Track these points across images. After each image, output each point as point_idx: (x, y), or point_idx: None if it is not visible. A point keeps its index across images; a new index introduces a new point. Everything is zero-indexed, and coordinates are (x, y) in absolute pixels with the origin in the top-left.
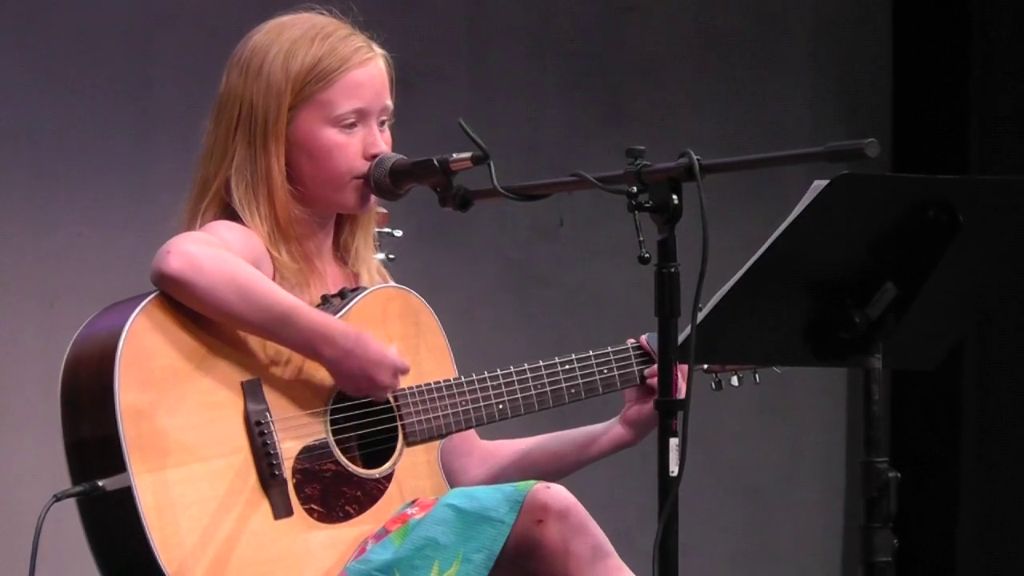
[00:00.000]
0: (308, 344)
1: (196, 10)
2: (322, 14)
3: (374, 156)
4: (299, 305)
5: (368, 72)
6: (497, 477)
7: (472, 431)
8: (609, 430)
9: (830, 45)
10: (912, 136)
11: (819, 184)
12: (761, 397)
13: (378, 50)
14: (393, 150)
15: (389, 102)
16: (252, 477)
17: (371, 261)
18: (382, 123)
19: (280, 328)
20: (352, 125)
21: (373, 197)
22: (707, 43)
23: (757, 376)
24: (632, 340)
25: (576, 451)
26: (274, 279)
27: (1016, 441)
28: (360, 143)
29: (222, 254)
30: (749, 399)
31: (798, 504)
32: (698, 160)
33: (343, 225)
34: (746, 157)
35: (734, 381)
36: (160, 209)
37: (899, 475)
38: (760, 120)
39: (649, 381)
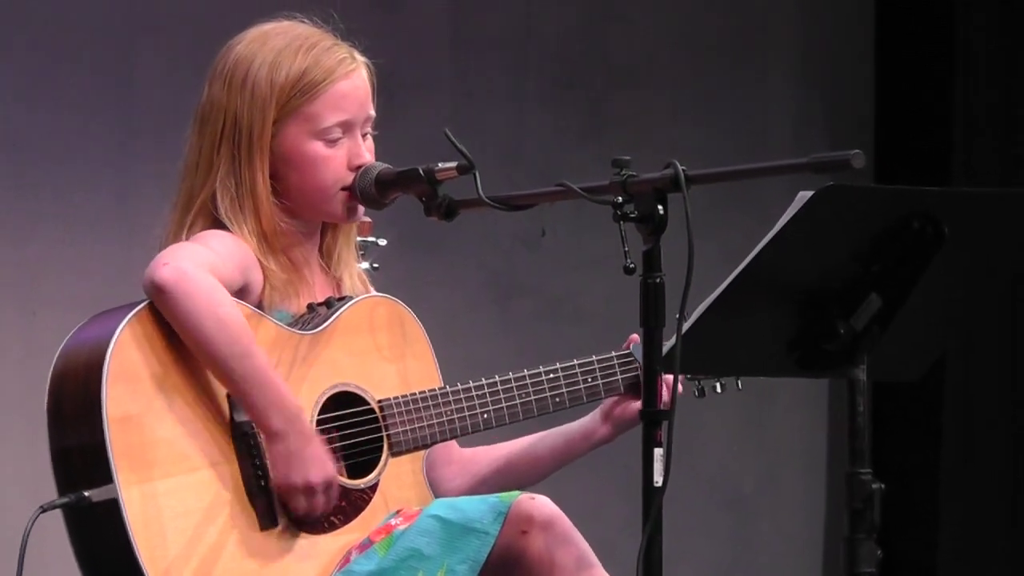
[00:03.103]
0: (261, 406)
1: (179, 17)
2: (303, 22)
3: (359, 167)
4: (268, 367)
5: (352, 83)
6: (478, 486)
7: (452, 440)
8: (587, 429)
9: (813, 55)
10: (895, 146)
11: (804, 195)
12: (743, 407)
13: (360, 58)
14: (376, 159)
15: (372, 111)
16: (238, 488)
17: (353, 266)
18: (364, 133)
19: (239, 378)
20: (338, 138)
21: (360, 208)
22: (690, 53)
23: (739, 382)
24: (623, 347)
25: (554, 456)
26: (263, 289)
27: (996, 451)
28: (345, 154)
29: (215, 284)
30: (731, 409)
31: (779, 514)
32: (684, 171)
33: (326, 231)
34: (732, 168)
35: (717, 388)
36: (142, 217)
37: (883, 486)
38: (743, 130)
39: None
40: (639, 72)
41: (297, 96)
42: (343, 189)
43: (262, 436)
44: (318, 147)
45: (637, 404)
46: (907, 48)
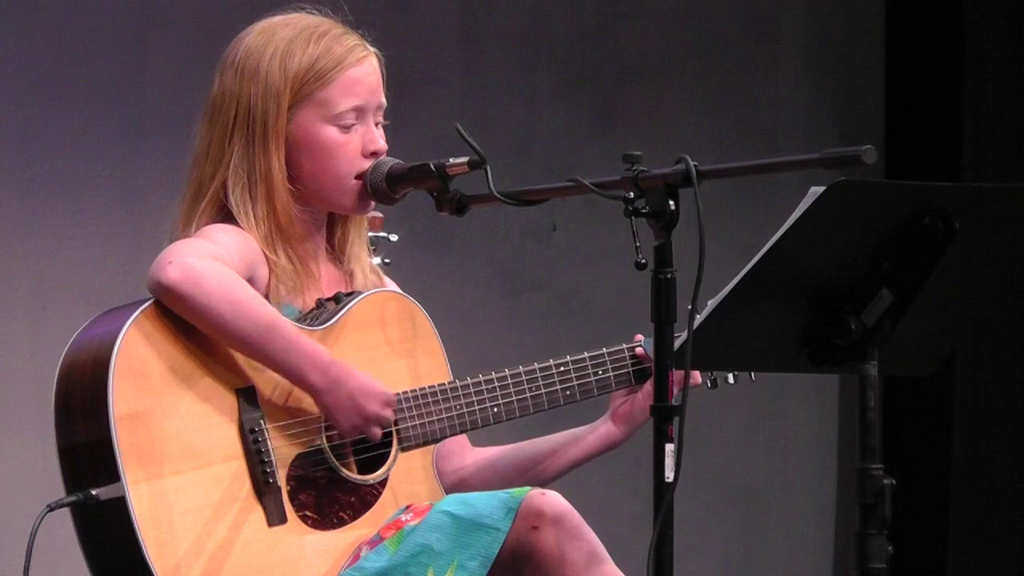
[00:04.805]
0: (297, 370)
1: (189, 12)
2: (312, 14)
3: (374, 153)
4: (293, 330)
5: (364, 70)
6: (486, 486)
7: (463, 438)
8: (599, 429)
9: (823, 51)
10: (905, 142)
11: (816, 190)
12: (753, 402)
13: (370, 48)
14: (388, 152)
15: (384, 100)
16: (246, 484)
17: (365, 260)
18: (377, 122)
19: (271, 351)
20: (351, 123)
21: (372, 200)
22: (700, 49)
23: (753, 374)
24: (636, 339)
25: (567, 458)
26: (270, 282)
27: (1007, 446)
28: (359, 140)
29: (222, 269)
30: (740, 404)
31: (789, 510)
32: (695, 166)
33: (336, 225)
34: (743, 163)
35: (730, 379)
36: (152, 211)
37: (894, 482)
38: (753, 126)
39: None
40: (649, 68)
41: (311, 82)
42: (357, 177)
43: (271, 432)
44: (332, 132)
45: (644, 398)
46: (917, 45)
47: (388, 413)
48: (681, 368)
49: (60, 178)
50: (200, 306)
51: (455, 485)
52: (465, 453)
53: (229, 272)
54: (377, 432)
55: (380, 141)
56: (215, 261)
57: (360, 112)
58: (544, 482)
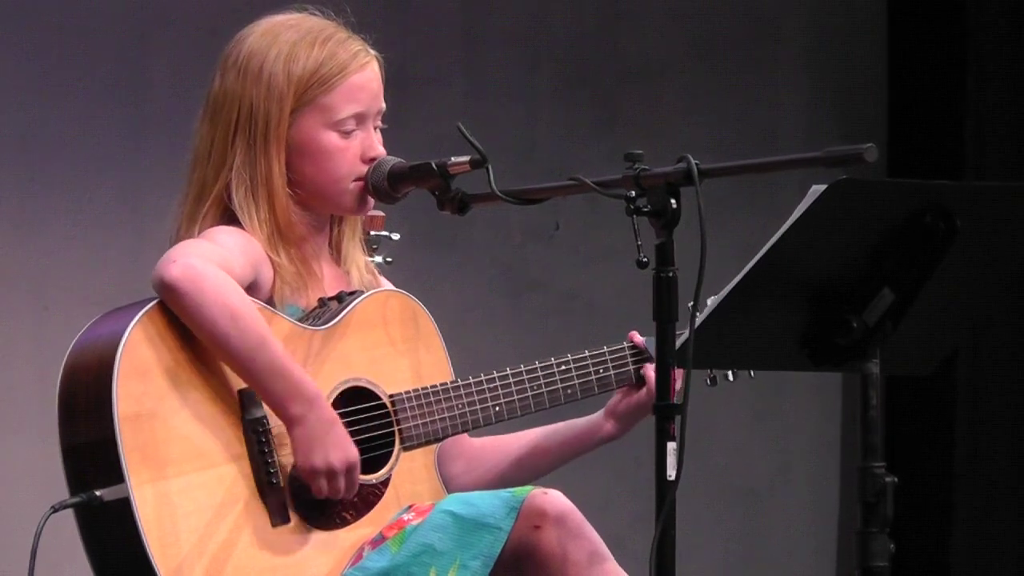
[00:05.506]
0: (280, 396)
1: (189, 12)
2: (314, 15)
3: (372, 159)
4: (283, 354)
5: (366, 76)
6: (489, 481)
7: (464, 437)
8: (594, 424)
9: (825, 51)
10: (906, 142)
11: (817, 189)
12: (754, 401)
13: (372, 52)
14: (388, 154)
15: (383, 104)
16: (250, 485)
17: (360, 260)
18: (376, 126)
19: (257, 369)
20: (352, 129)
21: (371, 200)
22: (701, 49)
23: (752, 371)
24: (630, 340)
25: (563, 451)
26: (274, 283)
27: (1007, 446)
28: (359, 146)
29: (225, 278)
30: (742, 403)
31: (792, 509)
32: (697, 164)
33: (334, 225)
34: (745, 162)
35: (729, 376)
36: (153, 211)
37: (896, 480)
38: (754, 126)
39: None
40: (649, 68)
41: (314, 87)
42: (356, 180)
43: (274, 432)
44: (333, 138)
45: (641, 397)
46: (918, 44)
47: (350, 479)
48: (683, 367)
49: (60, 178)
50: (196, 307)
51: (458, 489)
52: (466, 455)
53: (231, 282)
54: (322, 487)
55: (379, 147)
56: (219, 268)
57: (361, 118)
58: (541, 475)
